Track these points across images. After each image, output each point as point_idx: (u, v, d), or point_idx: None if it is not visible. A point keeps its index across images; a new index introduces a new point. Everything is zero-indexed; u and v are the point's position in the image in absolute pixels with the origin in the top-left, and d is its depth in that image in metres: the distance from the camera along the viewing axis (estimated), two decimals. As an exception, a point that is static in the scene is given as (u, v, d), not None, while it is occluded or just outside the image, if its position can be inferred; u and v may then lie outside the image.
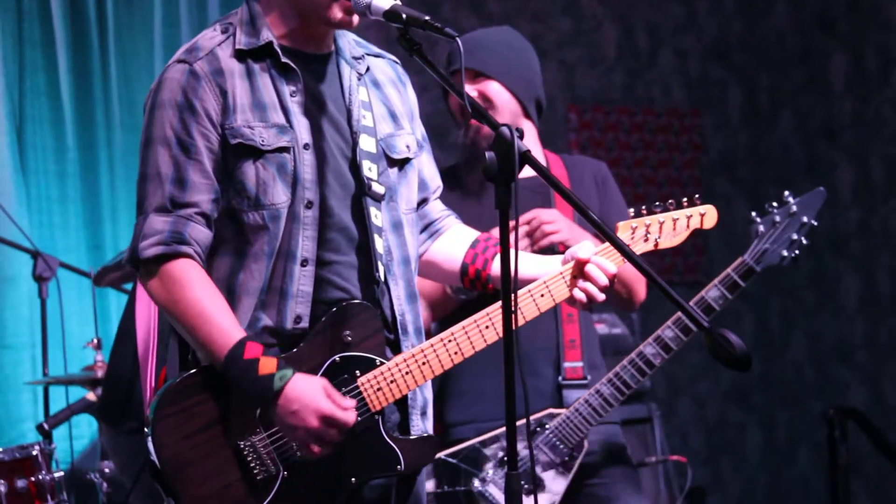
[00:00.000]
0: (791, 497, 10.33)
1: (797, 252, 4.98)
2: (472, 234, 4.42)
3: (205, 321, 3.93)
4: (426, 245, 4.41)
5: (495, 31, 5.44)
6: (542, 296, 4.20)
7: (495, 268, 4.28)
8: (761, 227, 4.98)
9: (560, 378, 5.19)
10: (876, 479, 9.34)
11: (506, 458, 4.96)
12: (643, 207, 4.49)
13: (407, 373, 4.09)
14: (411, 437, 4.15)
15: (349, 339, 4.05)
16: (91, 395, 6.24)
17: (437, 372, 4.13)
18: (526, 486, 5.01)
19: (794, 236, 4.95)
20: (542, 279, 4.20)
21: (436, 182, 4.44)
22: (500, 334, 4.02)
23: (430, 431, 4.25)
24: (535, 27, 9.53)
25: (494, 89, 5.22)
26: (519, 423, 4.52)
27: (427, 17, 3.90)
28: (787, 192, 5.02)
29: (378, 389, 4.05)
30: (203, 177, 3.98)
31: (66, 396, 6.75)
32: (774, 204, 4.99)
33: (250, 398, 3.94)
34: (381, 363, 4.08)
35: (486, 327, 4.14)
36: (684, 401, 9.91)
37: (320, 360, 4.03)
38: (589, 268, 4.18)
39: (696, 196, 4.57)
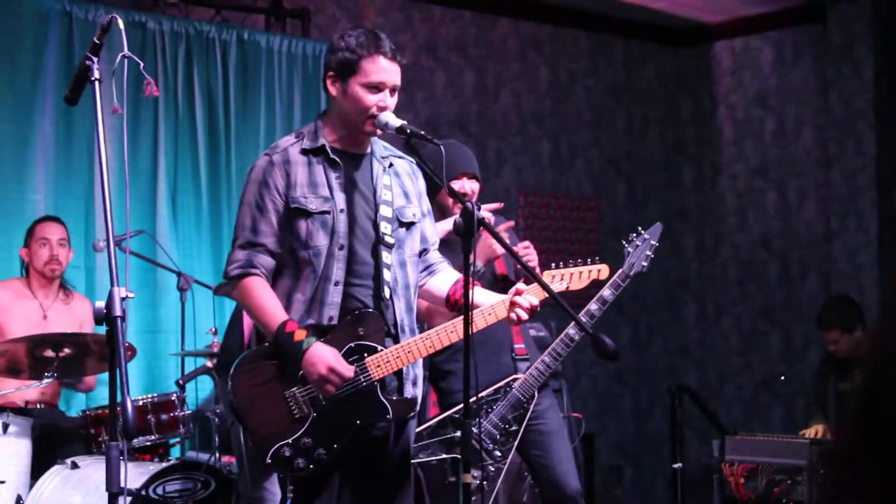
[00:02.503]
0: (648, 441, 10.28)
1: (650, 262, 5.04)
2: (455, 275, 4.41)
3: (263, 311, 4.04)
4: (425, 280, 4.39)
5: (465, 148, 5.48)
6: (489, 315, 4.23)
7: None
8: (630, 249, 5.09)
9: (513, 354, 5.23)
10: (700, 431, 9.29)
11: (488, 410, 5.05)
12: (562, 262, 4.71)
13: (397, 357, 4.12)
14: (397, 398, 4.17)
15: (361, 333, 4.10)
16: (209, 363, 6.21)
17: (418, 357, 4.19)
18: (503, 426, 5.06)
19: (648, 252, 5.05)
20: (491, 305, 4.24)
21: (433, 239, 4.45)
22: (461, 336, 4.10)
23: (418, 396, 4.26)
24: (498, 143, 9.51)
25: (478, 188, 5.30)
26: (489, 390, 4.66)
27: (423, 132, 4.04)
28: (639, 227, 5.12)
29: (378, 366, 4.10)
30: (269, 227, 4.08)
31: (195, 363, 6.72)
32: (634, 234, 5.08)
33: (288, 355, 4.00)
34: (381, 350, 4.11)
35: (451, 332, 4.18)
36: (584, 379, 9.86)
37: (344, 344, 4.07)
38: (520, 299, 4.21)
39: (598, 258, 4.89)
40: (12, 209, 6.95)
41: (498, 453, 5.05)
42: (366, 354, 4.08)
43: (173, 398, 6.04)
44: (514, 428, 5.09)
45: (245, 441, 4.12)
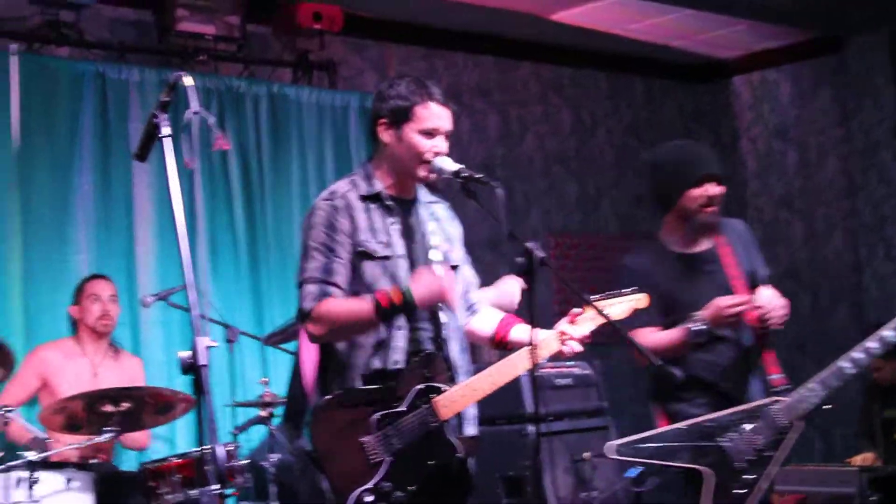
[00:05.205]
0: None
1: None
2: (498, 314, 4.48)
3: (351, 310, 4.09)
4: (467, 319, 4.45)
5: (700, 146, 5.32)
6: (543, 349, 4.25)
7: (511, 336, 4.36)
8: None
9: (770, 387, 4.95)
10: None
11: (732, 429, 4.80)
12: (605, 294, 4.64)
13: (463, 395, 4.18)
14: (464, 436, 4.24)
15: (427, 375, 4.15)
16: (262, 413, 6.26)
17: (482, 396, 4.21)
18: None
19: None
20: (543, 339, 4.24)
21: (474, 280, 4.51)
22: (520, 372, 4.22)
23: (476, 433, 4.31)
24: (525, 185, 9.62)
25: (721, 191, 5.03)
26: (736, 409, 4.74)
27: (480, 175, 4.11)
28: None
29: (445, 406, 4.14)
30: (341, 266, 4.13)
31: (246, 414, 6.77)
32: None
33: (402, 313, 4.08)
34: (446, 390, 4.16)
35: (512, 368, 4.21)
36: (626, 418, 9.88)
37: (412, 387, 4.13)
38: (571, 329, 4.26)
39: (636, 288, 4.67)
40: (55, 270, 7.05)
41: (750, 476, 4.88)
42: (432, 395, 4.14)
43: (229, 448, 6.09)
44: (767, 453, 4.92)
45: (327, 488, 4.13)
